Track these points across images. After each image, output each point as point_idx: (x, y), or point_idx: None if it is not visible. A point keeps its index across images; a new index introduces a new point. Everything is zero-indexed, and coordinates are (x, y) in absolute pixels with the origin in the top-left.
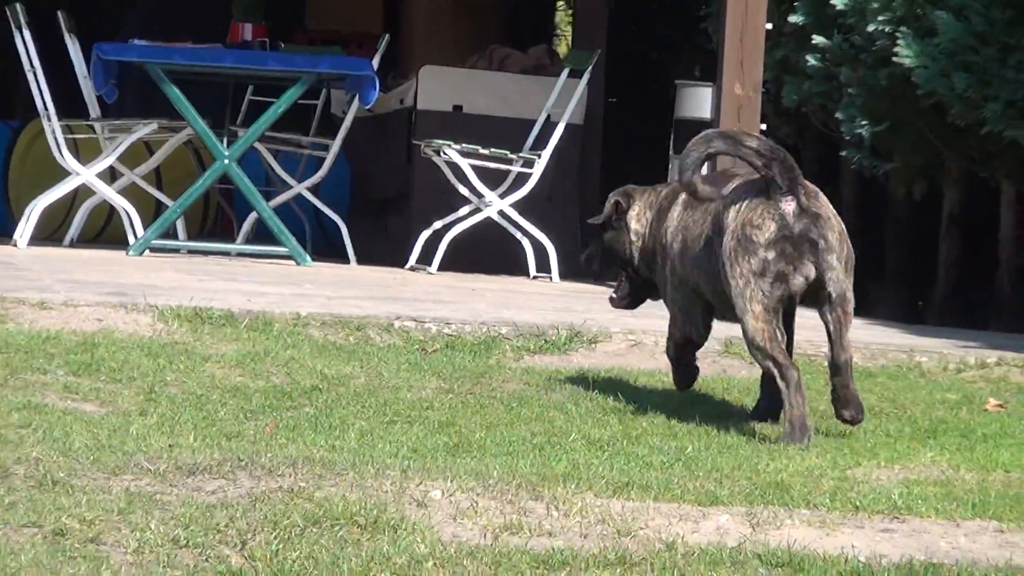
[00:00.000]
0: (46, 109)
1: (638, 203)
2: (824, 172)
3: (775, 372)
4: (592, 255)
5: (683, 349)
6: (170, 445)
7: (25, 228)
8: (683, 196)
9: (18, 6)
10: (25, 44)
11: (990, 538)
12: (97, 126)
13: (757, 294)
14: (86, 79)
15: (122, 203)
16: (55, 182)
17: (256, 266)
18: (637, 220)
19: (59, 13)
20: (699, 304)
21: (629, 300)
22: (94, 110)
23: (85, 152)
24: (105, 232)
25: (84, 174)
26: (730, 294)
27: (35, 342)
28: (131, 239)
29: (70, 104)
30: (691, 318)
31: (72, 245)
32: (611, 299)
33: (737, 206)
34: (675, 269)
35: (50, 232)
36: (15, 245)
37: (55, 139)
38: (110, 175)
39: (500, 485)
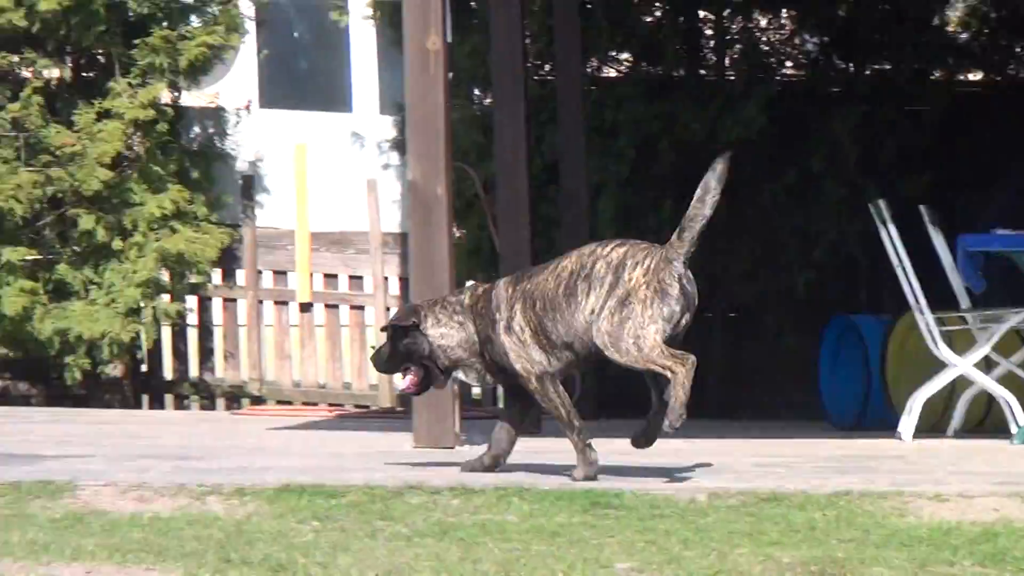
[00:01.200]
0: (917, 303)
1: (430, 316)
2: None
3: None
4: (382, 353)
5: (549, 379)
6: None
7: (908, 421)
8: (502, 283)
9: (881, 202)
10: (891, 239)
11: None
12: (968, 317)
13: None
14: (953, 271)
15: (1001, 392)
16: (932, 374)
17: None
18: (434, 327)
19: (921, 207)
20: (534, 347)
21: (422, 386)
22: (964, 301)
23: (959, 343)
24: (986, 421)
25: (960, 365)
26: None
27: (936, 534)
28: (1012, 428)
29: (939, 296)
30: (534, 356)
31: (955, 436)
32: (405, 388)
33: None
34: (516, 327)
35: (932, 423)
36: (899, 438)
37: (929, 332)
38: (985, 365)
39: None
